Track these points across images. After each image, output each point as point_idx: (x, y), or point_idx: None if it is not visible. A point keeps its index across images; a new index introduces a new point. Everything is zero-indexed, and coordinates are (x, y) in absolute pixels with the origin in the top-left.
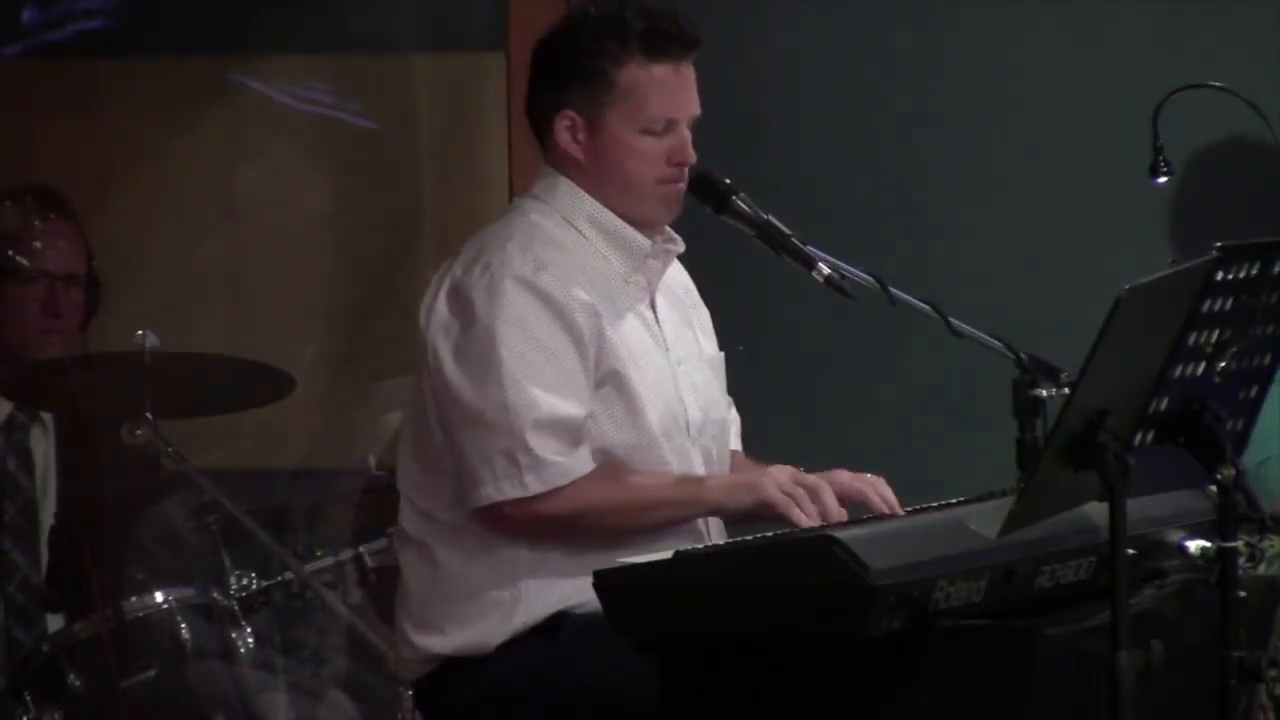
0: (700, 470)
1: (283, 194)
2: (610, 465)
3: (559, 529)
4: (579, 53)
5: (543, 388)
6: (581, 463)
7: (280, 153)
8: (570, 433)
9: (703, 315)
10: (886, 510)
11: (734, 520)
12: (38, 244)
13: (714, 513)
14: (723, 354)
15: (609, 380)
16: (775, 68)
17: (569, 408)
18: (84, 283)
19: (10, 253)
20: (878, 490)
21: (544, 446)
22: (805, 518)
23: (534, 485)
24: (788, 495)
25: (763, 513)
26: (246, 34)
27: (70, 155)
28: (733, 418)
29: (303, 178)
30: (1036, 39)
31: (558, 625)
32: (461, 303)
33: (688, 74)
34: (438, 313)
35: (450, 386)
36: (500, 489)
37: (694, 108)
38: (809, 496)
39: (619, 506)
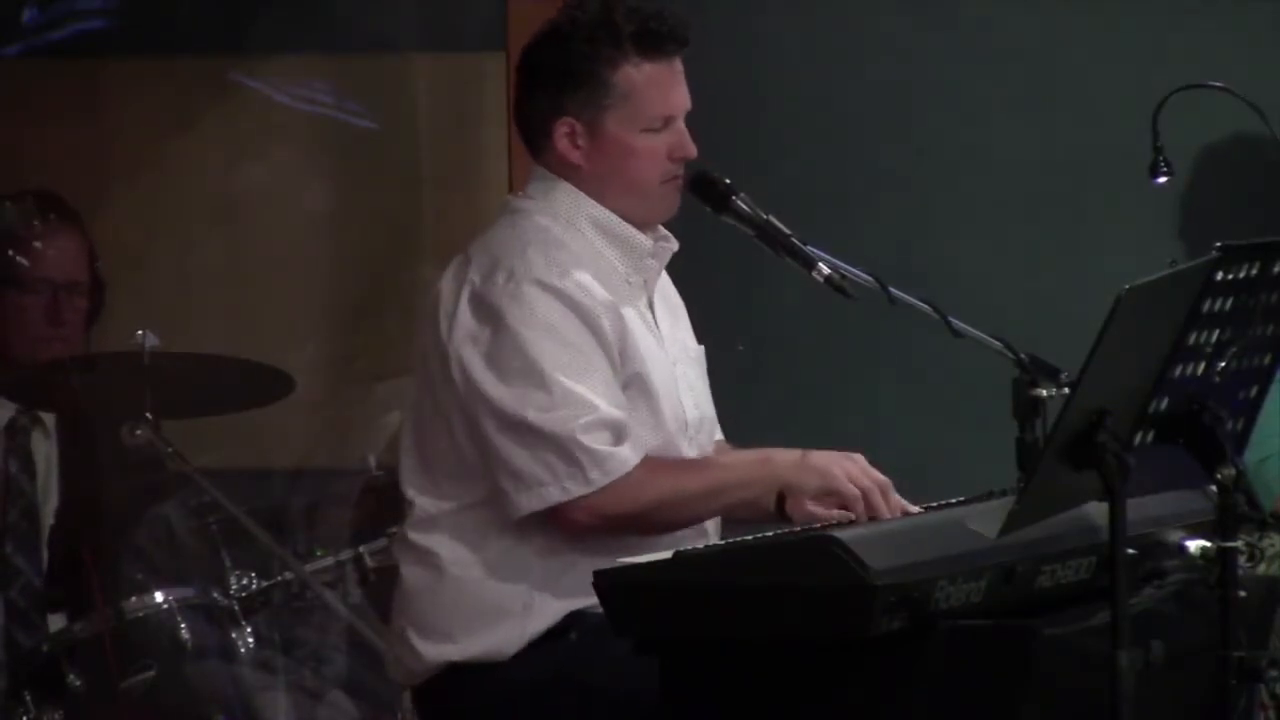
0: None
1: (283, 194)
2: (659, 457)
3: (628, 526)
4: (572, 57)
5: (585, 390)
6: (633, 453)
7: (280, 153)
8: (616, 430)
9: (682, 310)
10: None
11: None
12: (38, 244)
13: (780, 490)
14: (702, 347)
15: (633, 383)
16: (775, 68)
17: (611, 409)
18: (87, 289)
19: (10, 252)
20: (868, 500)
21: (597, 441)
22: (865, 516)
23: (598, 479)
24: (857, 488)
25: (820, 498)
26: (246, 34)
27: (70, 155)
28: None
29: (303, 178)
30: (1037, 39)
31: (568, 626)
32: (487, 311)
33: (679, 69)
34: (461, 323)
35: (487, 396)
36: (565, 489)
37: (688, 101)
38: (878, 492)
39: (687, 495)
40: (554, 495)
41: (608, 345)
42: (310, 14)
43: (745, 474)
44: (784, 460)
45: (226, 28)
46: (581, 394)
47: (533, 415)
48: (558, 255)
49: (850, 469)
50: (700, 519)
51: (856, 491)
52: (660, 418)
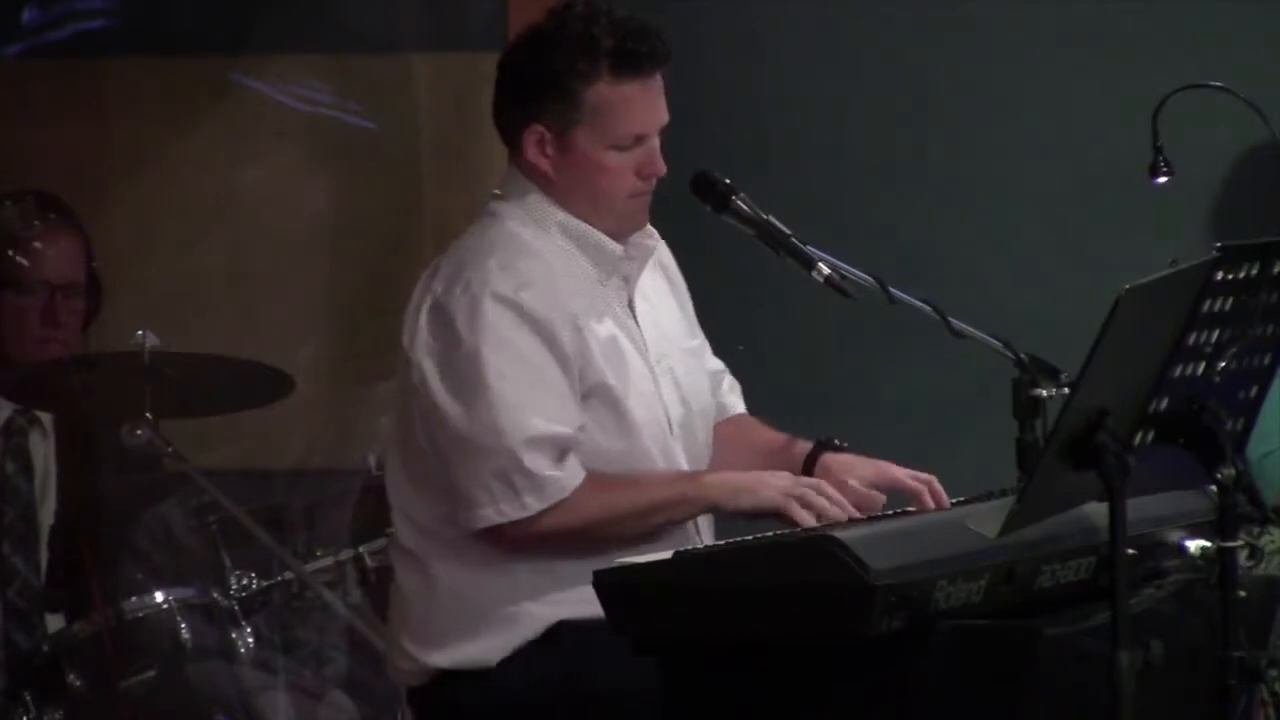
0: (683, 462)
1: (283, 194)
2: (599, 473)
3: (562, 543)
4: (547, 70)
5: (532, 407)
6: (574, 474)
7: (280, 153)
8: (560, 448)
9: (682, 298)
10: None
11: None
12: (36, 245)
13: (710, 511)
14: (702, 336)
15: (595, 393)
16: (775, 68)
17: (558, 426)
18: (84, 289)
19: (9, 252)
20: (932, 489)
21: (538, 464)
22: (809, 518)
23: (534, 504)
24: (790, 496)
25: (763, 515)
26: (246, 34)
27: (70, 155)
28: (730, 384)
29: (303, 178)
30: (1036, 39)
31: (557, 633)
32: (444, 323)
33: (657, 87)
34: (420, 333)
35: (438, 410)
36: (501, 511)
37: (663, 118)
38: (814, 492)
39: (619, 515)
40: (490, 518)
41: (563, 358)
42: (310, 14)
43: (677, 493)
44: (713, 482)
45: (226, 28)
46: (528, 411)
47: (476, 433)
48: (521, 266)
49: (777, 483)
50: (631, 536)
51: (788, 500)
52: (627, 424)
